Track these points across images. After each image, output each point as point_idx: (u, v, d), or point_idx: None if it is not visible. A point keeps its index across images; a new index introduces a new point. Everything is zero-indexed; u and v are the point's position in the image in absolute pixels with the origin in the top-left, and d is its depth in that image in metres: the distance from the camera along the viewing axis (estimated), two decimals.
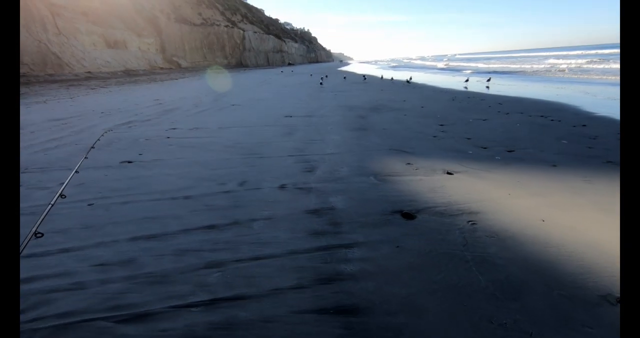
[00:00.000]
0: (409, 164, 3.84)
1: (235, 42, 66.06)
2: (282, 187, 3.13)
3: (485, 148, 4.52)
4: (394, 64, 66.73)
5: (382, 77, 21.93)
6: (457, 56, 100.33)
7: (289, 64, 79.76)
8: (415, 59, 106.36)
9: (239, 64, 65.91)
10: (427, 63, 57.63)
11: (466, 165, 3.76)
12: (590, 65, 23.11)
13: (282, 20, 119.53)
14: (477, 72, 25.50)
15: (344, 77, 21.65)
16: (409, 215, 2.51)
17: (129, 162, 3.99)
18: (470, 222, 2.39)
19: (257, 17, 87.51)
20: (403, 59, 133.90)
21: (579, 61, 27.81)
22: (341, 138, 5.17)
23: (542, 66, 26.57)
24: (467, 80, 16.19)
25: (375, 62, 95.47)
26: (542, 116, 6.82)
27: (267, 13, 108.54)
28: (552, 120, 6.40)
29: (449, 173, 3.50)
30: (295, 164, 3.87)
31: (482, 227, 2.32)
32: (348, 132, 5.61)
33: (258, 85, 17.90)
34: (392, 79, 20.43)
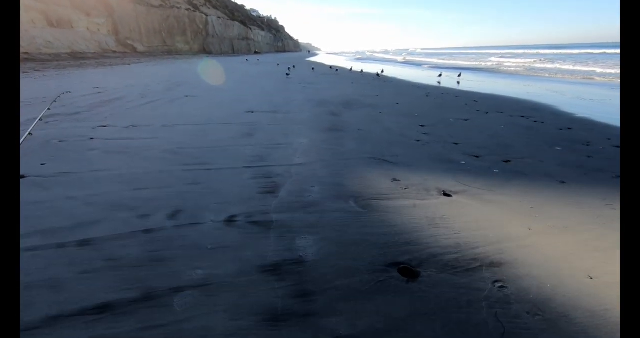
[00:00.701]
0: (395, 180, 3.09)
1: (198, 27, 62.37)
2: (231, 220, 2.26)
3: (477, 157, 3.89)
4: (359, 56, 66.41)
5: (351, 69, 21.23)
6: (418, 51, 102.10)
7: (256, 53, 76.98)
8: (378, 52, 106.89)
9: (202, 51, 62.38)
10: (389, 56, 57.79)
11: (463, 181, 3.08)
12: (541, 65, 23.85)
13: (248, 7, 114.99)
14: (436, 67, 25.54)
15: (313, 68, 20.68)
16: (409, 272, 1.76)
17: (21, 177, 2.91)
18: (497, 284, 1.68)
19: (221, 2, 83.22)
20: (366, 52, 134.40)
21: (528, 60, 28.83)
22: (311, 142, 4.33)
23: (490, 63, 27.19)
24: (440, 75, 15.88)
25: (343, 54, 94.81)
26: (522, 116, 6.40)
27: None
28: (535, 121, 5.97)
29: (446, 194, 2.79)
30: (253, 181, 2.99)
31: (516, 294, 1.62)
32: (319, 134, 4.79)
33: (220, 73, 16.51)
34: (362, 71, 19.78)
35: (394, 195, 2.74)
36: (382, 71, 17.63)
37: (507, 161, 3.75)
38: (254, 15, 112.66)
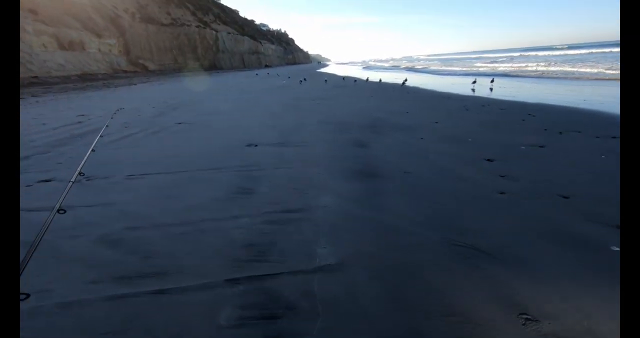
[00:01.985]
0: (524, 316, 1.53)
1: (208, 43, 62.70)
2: None
3: (618, 227, 2.28)
4: (368, 65, 65.08)
5: (367, 79, 19.79)
6: (424, 57, 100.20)
7: (266, 66, 76.96)
8: (385, 61, 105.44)
9: (212, 66, 62.47)
10: (399, 64, 56.11)
11: None
12: (558, 67, 21.79)
13: (258, 22, 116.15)
14: (455, 73, 23.80)
15: (325, 80, 19.34)
16: None
17: None
18: None
19: (231, 18, 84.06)
20: (373, 60, 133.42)
21: (545, 62, 26.73)
22: (338, 203, 2.80)
23: (511, 67, 25.23)
24: (474, 82, 14.20)
25: (353, 63, 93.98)
26: (614, 137, 4.72)
27: (242, 14, 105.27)
28: None
29: None
30: (235, 333, 1.48)
31: None
32: (347, 184, 3.27)
33: (225, 90, 15.31)
34: (380, 80, 18.31)
35: None
36: (406, 80, 16.10)
37: None
38: (263, 30, 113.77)
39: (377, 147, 4.65)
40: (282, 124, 6.52)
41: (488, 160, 3.94)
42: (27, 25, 28.99)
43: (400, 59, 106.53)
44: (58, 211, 1.67)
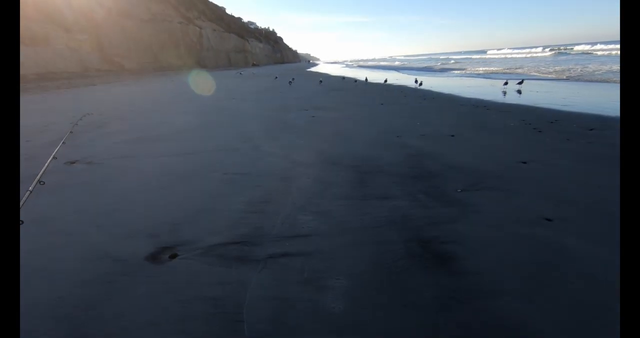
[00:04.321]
0: None
1: (192, 40, 59.19)
2: None
3: None
4: (362, 64, 62.29)
5: (366, 79, 17.08)
6: (418, 57, 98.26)
7: (254, 65, 73.74)
8: (379, 60, 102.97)
9: (196, 65, 58.94)
10: (395, 64, 53.52)
11: None
12: (586, 68, 19.52)
13: (245, 20, 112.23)
14: (467, 74, 21.32)
15: (320, 81, 16.57)
16: None
17: None
18: None
19: (216, 15, 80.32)
20: (364, 59, 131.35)
21: (561, 65, 24.54)
22: None
23: (528, 70, 22.90)
24: (506, 84, 11.61)
25: (344, 63, 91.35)
26: None
27: (229, 11, 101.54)
28: None
29: None
30: None
31: None
32: None
33: (195, 94, 12.38)
34: (385, 81, 15.62)
35: None
36: (421, 83, 13.46)
37: None
38: (251, 28, 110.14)
39: (483, 270, 1.89)
40: (253, 169, 3.70)
41: None
42: None
43: (391, 58, 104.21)
44: None
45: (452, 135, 5.03)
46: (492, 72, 20.66)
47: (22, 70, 26.88)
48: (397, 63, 50.82)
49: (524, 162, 3.67)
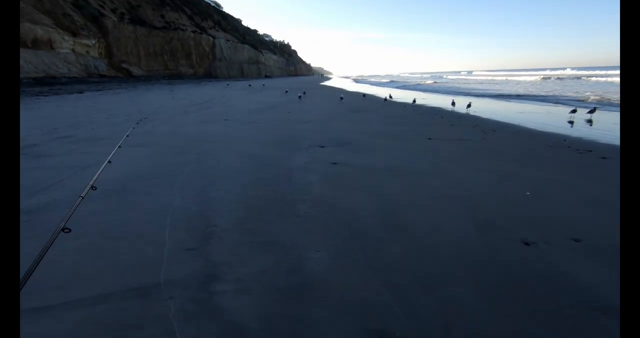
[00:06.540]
0: None
1: (204, 49, 58.16)
2: None
3: None
4: (376, 80, 60.20)
5: (385, 99, 14.61)
6: (422, 75, 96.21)
7: (266, 76, 72.60)
8: (394, 76, 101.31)
9: (207, 74, 57.72)
10: (413, 81, 51.29)
11: None
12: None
13: (261, 32, 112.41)
14: (501, 95, 18.81)
15: (341, 98, 14.16)
16: None
17: None
18: None
19: (232, 26, 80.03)
20: (379, 75, 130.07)
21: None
22: None
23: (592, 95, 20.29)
24: (574, 112, 9.05)
25: (359, 78, 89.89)
26: None
27: (245, 23, 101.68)
28: None
29: None
30: None
31: None
32: None
33: (182, 113, 10.08)
34: (414, 102, 13.20)
35: None
36: (469, 105, 11.04)
37: None
38: (266, 40, 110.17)
39: None
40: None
41: None
42: None
43: (407, 76, 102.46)
44: None
45: (578, 230, 2.51)
46: (530, 95, 18.12)
47: (22, 74, 25.30)
48: (417, 81, 48.51)
49: None
